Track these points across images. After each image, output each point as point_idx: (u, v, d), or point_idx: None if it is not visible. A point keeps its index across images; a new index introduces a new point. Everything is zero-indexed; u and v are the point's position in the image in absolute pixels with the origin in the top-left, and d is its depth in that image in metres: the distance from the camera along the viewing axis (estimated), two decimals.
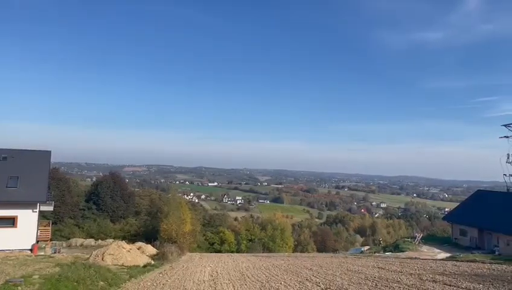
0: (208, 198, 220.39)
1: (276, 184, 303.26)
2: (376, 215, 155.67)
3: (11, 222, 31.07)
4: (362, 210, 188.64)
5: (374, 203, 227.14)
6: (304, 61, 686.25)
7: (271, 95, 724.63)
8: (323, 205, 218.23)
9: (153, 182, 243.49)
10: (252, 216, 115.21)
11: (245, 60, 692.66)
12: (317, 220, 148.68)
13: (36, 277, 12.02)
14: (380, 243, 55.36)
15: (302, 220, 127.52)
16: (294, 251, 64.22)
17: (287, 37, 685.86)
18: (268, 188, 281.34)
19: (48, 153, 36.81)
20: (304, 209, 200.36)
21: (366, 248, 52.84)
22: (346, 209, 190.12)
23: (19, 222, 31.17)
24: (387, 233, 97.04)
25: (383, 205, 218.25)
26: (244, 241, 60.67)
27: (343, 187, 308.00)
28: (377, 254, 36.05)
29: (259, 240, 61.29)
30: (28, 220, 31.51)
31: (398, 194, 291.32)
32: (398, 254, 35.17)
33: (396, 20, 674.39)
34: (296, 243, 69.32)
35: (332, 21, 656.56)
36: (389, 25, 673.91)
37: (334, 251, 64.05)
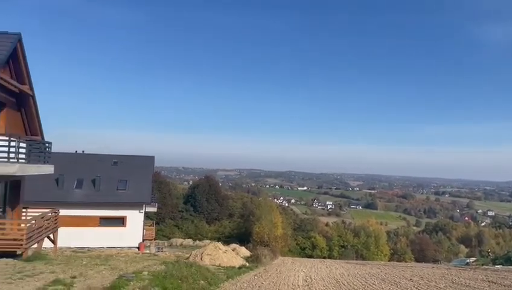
0: (298, 202, 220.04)
1: (368, 189, 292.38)
2: (483, 224, 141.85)
3: (121, 221, 34.18)
4: (466, 218, 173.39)
5: (479, 211, 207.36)
6: (400, 59, 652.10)
7: (365, 94, 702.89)
8: (421, 212, 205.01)
9: (244, 185, 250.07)
10: (343, 222, 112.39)
11: (344, 63, 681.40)
12: (414, 227, 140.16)
13: (145, 273, 13.00)
14: (489, 255, 50.38)
15: (398, 228, 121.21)
16: (390, 259, 61.13)
17: (383, 39, 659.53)
18: (360, 193, 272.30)
19: (151, 158, 39.85)
20: (400, 216, 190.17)
21: (472, 259, 48.40)
22: (447, 216, 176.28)
23: (128, 221, 34.15)
24: (496, 244, 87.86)
25: (490, 213, 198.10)
26: (337, 248, 59.34)
27: (443, 193, 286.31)
28: (486, 267, 32.74)
29: (352, 247, 59.49)
30: (135, 220, 34.40)
31: (509, 201, 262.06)
32: (510, 267, 31.61)
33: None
34: (392, 251, 65.94)
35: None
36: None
37: (435, 261, 59.78)
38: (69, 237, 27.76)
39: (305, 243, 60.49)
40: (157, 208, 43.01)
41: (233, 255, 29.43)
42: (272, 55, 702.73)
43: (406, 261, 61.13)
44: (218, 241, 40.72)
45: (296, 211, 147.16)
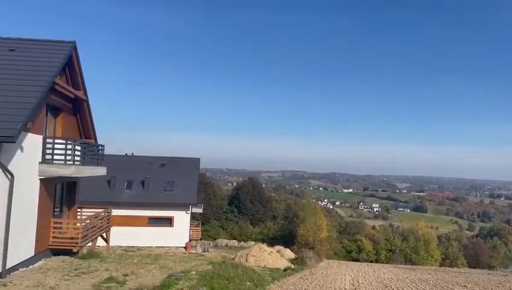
0: (343, 205, 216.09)
1: (417, 191, 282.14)
2: None
3: (168, 221, 35.08)
4: None
5: None
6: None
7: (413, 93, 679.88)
8: (475, 216, 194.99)
9: (287, 187, 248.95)
10: (391, 225, 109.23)
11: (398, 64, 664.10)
12: (467, 232, 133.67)
13: (193, 272, 13.24)
14: None
15: (449, 232, 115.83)
16: (441, 265, 58.55)
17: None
18: (408, 195, 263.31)
19: (197, 160, 40.64)
20: (451, 220, 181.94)
21: None
22: (503, 221, 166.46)
23: (175, 222, 35.00)
24: None
25: None
26: (384, 252, 57.62)
27: (498, 196, 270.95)
28: None
29: (400, 251, 57.55)
30: (182, 220, 35.20)
31: None
32: None
33: None
34: (443, 256, 63.12)
35: None
36: None
37: (490, 267, 56.55)
38: (119, 236, 28.79)
39: (351, 246, 59.28)
40: (203, 209, 43.77)
41: (278, 257, 29.33)
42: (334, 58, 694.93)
43: (458, 267, 58.36)
44: (262, 242, 40.84)
45: (341, 213, 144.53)
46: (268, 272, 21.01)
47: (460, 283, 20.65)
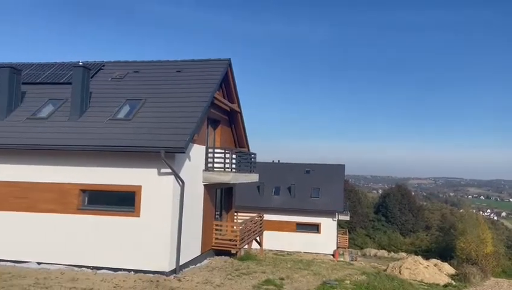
0: (510, 216, 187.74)
1: None
2: None
3: (315, 228, 35.33)
4: None
5: None
6: None
7: None
8: None
9: (441, 195, 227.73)
10: None
11: None
12: None
13: (347, 282, 12.95)
14: None
15: None
16: None
17: None
18: None
19: (342, 167, 40.13)
20: None
21: None
22: None
23: (322, 228, 35.06)
24: None
25: None
26: None
27: None
28: None
29: None
30: (329, 227, 35.09)
31: None
32: None
33: None
34: None
35: None
36: None
37: None
38: (269, 240, 30.06)
39: None
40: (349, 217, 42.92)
41: (436, 271, 26.92)
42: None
43: None
44: (415, 254, 38.00)
45: (508, 225, 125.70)
46: (426, 287, 19.46)
47: None
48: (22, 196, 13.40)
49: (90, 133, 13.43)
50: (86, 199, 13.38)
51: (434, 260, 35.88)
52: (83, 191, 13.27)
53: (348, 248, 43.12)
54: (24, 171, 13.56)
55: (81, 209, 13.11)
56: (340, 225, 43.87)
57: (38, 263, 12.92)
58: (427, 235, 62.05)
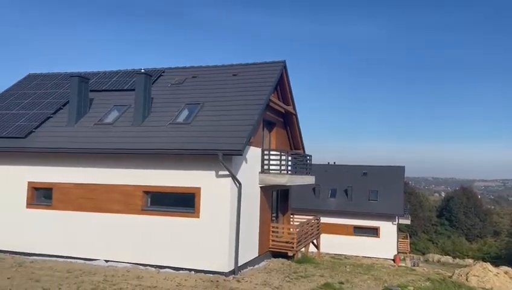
0: None
1: None
2: None
3: (374, 232, 34.30)
4: None
5: None
6: None
7: None
8: None
9: (510, 198, 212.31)
10: None
11: None
12: None
13: (410, 288, 12.43)
14: None
15: None
16: None
17: None
18: None
19: (401, 169, 38.67)
20: None
21: None
22: None
23: (381, 232, 33.96)
24: None
25: None
26: None
27: None
28: None
29: None
30: (388, 231, 33.92)
31: None
32: None
33: None
34: None
35: None
36: None
37: None
38: (326, 243, 29.59)
39: None
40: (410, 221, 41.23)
41: (507, 279, 25.05)
42: None
43: None
44: (482, 261, 35.73)
45: None
46: None
47: None
48: (90, 197, 14.25)
49: (152, 137, 13.99)
50: (149, 200, 13.93)
51: (504, 268, 33.34)
52: (146, 192, 13.84)
53: (409, 253, 41.40)
54: (91, 173, 14.40)
55: (144, 210, 13.68)
56: (401, 229, 42.25)
57: (106, 261, 13.64)
58: (495, 241, 58.20)
